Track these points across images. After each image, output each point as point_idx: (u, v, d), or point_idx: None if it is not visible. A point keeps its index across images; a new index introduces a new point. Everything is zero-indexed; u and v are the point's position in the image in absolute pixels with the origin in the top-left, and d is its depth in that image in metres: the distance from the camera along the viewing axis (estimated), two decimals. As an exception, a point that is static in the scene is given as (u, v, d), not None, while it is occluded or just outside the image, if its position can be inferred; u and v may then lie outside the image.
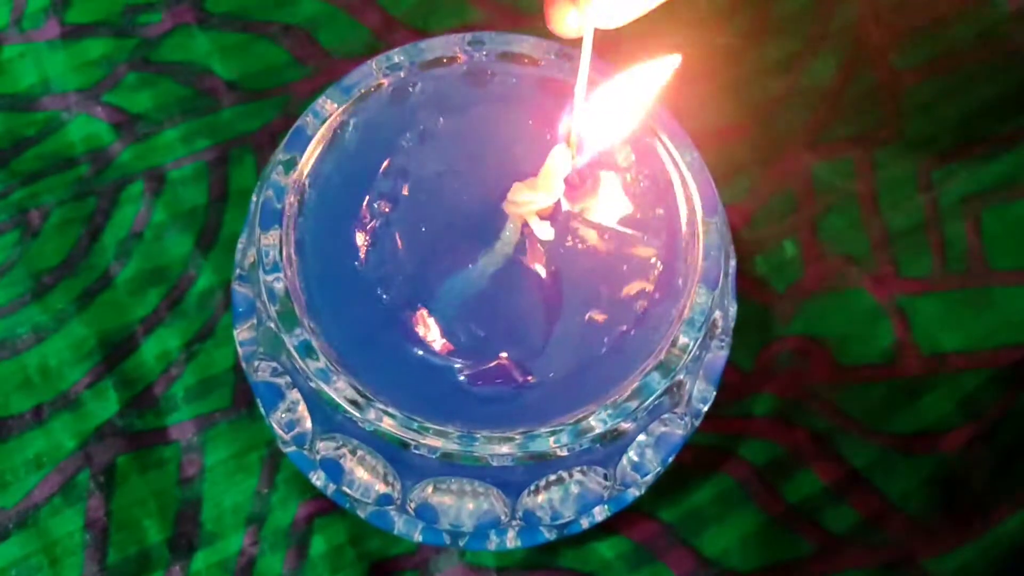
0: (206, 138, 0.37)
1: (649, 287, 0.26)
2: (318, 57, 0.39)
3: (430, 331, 0.25)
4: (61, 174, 0.36)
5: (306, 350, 0.23)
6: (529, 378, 0.25)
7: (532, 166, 0.25)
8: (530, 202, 0.25)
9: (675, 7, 0.38)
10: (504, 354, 0.25)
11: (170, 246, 0.35)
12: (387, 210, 0.26)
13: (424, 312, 0.25)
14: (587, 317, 0.25)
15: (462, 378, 0.25)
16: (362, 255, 0.25)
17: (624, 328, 0.25)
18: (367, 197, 0.26)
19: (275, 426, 0.26)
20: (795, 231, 0.37)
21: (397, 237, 0.26)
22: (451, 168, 0.27)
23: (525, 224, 0.25)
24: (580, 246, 0.26)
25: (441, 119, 0.27)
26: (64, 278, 0.35)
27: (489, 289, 0.26)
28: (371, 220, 0.26)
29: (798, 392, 0.35)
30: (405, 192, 0.26)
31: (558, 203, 0.26)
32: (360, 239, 0.26)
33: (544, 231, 0.25)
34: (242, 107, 0.38)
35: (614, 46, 0.33)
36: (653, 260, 0.26)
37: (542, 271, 0.26)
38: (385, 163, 0.27)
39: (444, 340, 0.25)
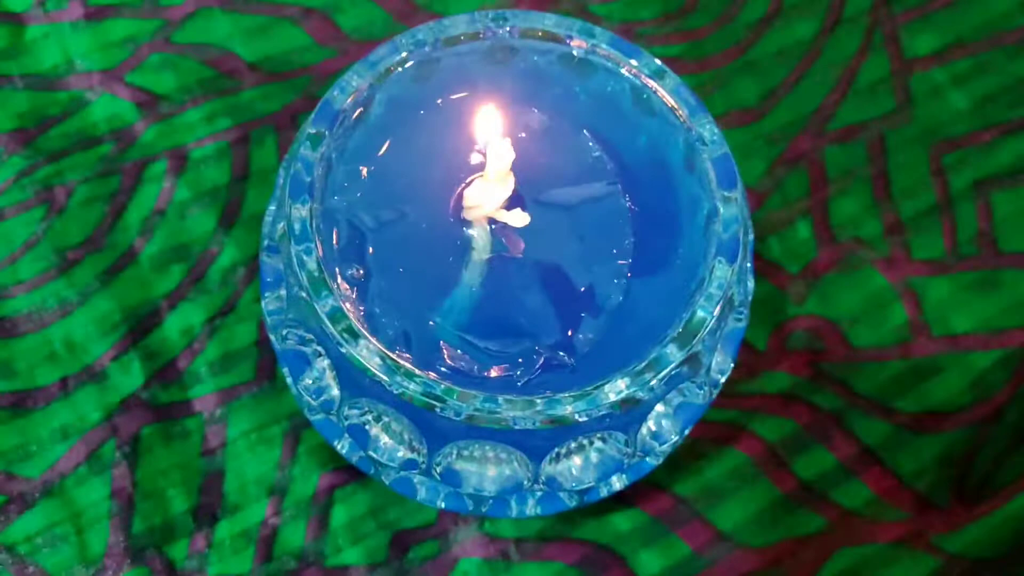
0: (228, 118, 0.38)
1: (629, 231, 0.26)
2: (339, 40, 0.39)
3: (463, 361, 0.26)
4: (85, 152, 0.37)
5: (336, 315, 0.24)
6: (573, 356, 0.26)
7: (466, 169, 0.27)
8: (486, 202, 0.26)
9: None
10: (537, 347, 0.26)
11: (193, 224, 0.36)
12: (360, 274, 0.27)
13: (445, 345, 0.26)
14: (589, 278, 0.26)
15: (520, 386, 0.26)
16: (363, 326, 0.24)
17: (628, 275, 0.26)
18: (336, 269, 0.26)
19: (303, 393, 0.27)
20: (808, 213, 0.37)
21: (381, 294, 0.26)
22: (400, 210, 0.27)
23: (491, 220, 0.26)
24: (550, 218, 0.27)
25: (364, 168, 0.28)
26: (89, 254, 0.35)
27: (488, 295, 0.26)
28: (352, 289, 0.26)
29: (811, 371, 0.35)
30: (371, 251, 0.27)
31: (515, 189, 0.26)
32: (350, 310, 0.25)
33: (518, 218, 0.26)
34: (263, 88, 0.38)
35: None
36: (628, 206, 0.27)
37: (525, 256, 0.27)
38: (334, 233, 0.27)
39: (481, 365, 0.26)
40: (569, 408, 0.24)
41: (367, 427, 0.27)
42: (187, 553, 0.32)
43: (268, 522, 0.32)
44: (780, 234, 0.37)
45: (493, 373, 0.25)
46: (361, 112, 0.27)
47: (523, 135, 0.29)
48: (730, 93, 0.39)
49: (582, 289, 0.27)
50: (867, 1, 0.41)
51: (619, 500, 0.33)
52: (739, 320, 0.27)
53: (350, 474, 0.33)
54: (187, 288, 0.35)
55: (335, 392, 0.26)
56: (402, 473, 0.27)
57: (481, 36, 0.28)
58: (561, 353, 0.26)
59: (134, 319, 0.34)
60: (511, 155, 0.26)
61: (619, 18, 0.40)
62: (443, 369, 0.25)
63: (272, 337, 0.27)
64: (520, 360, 0.26)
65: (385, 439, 0.27)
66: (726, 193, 0.26)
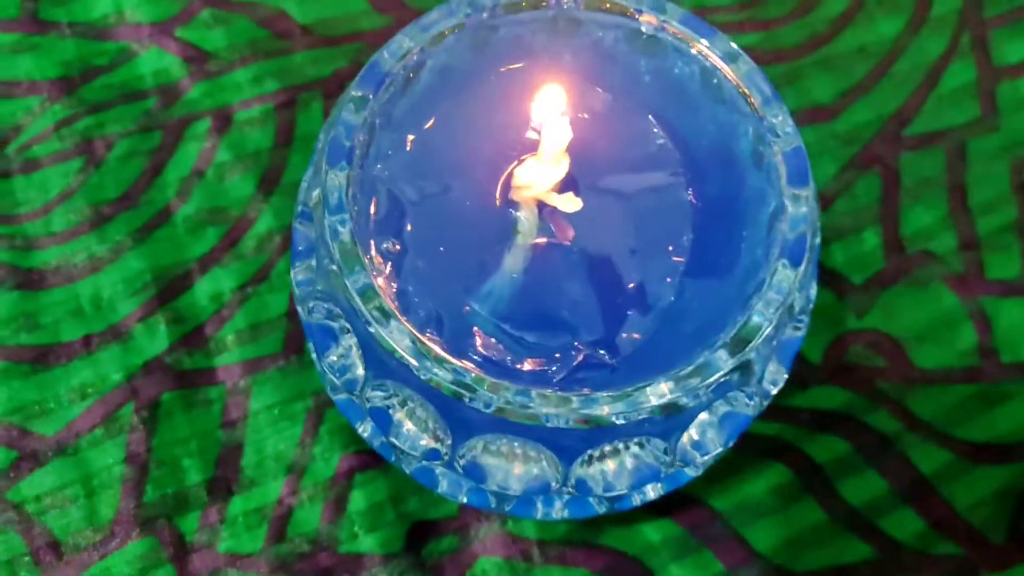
0: (276, 81, 0.36)
1: (688, 226, 0.25)
2: (397, 8, 0.38)
3: (497, 351, 0.24)
4: (128, 105, 0.35)
5: (367, 293, 0.22)
6: (615, 356, 0.24)
7: (522, 146, 0.25)
8: (536, 183, 0.24)
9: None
10: (577, 343, 0.24)
11: (232, 187, 0.35)
12: (396, 248, 0.25)
13: (480, 332, 0.24)
14: (640, 274, 0.24)
15: (555, 383, 0.24)
16: (394, 305, 0.23)
17: (683, 274, 0.24)
18: (372, 241, 0.25)
19: (326, 370, 0.25)
20: (878, 221, 0.35)
21: (416, 271, 0.25)
22: (445, 184, 0.26)
23: (541, 204, 0.24)
24: (604, 206, 0.25)
25: (410, 138, 0.26)
26: (124, 210, 0.34)
27: (529, 285, 0.25)
28: (385, 264, 0.25)
29: (868, 389, 0.33)
30: (409, 227, 0.25)
31: (569, 172, 0.25)
32: (383, 285, 0.23)
33: (569, 203, 0.24)
34: (314, 52, 0.37)
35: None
36: (690, 199, 0.25)
37: (573, 245, 0.25)
38: (372, 203, 0.25)
39: (515, 356, 0.24)
40: (607, 408, 0.22)
41: (391, 411, 0.25)
42: (198, 526, 0.30)
43: (284, 501, 0.31)
44: (845, 241, 0.35)
45: (527, 366, 0.24)
46: (411, 78, 0.26)
47: (584, 116, 0.27)
48: (803, 89, 0.37)
49: (631, 285, 0.25)
50: (957, 1, 0.39)
51: (650, 509, 0.31)
52: (797, 329, 0.25)
53: (372, 459, 0.31)
54: (221, 253, 0.34)
55: (360, 372, 0.24)
56: (424, 463, 0.26)
57: (544, 4, 0.26)
58: (602, 352, 0.24)
59: (164, 280, 0.33)
60: (568, 135, 0.25)
61: (692, 2, 0.38)
62: (475, 357, 0.24)
63: (299, 309, 0.26)
64: (557, 355, 0.24)
65: (408, 425, 0.25)
66: (796, 191, 0.24)
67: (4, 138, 0.35)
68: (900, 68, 0.37)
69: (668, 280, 0.25)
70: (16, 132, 0.35)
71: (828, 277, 0.34)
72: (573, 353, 0.24)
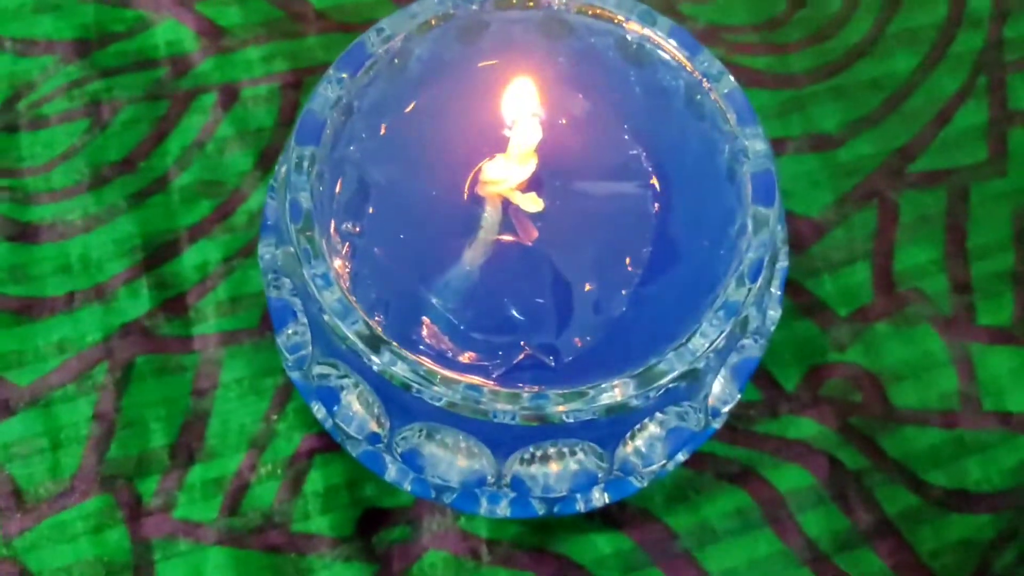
0: (286, 61, 0.37)
1: (648, 238, 0.24)
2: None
3: (442, 341, 0.24)
4: (139, 73, 0.36)
5: (321, 276, 0.22)
6: (560, 360, 0.24)
7: (495, 143, 0.25)
8: (505, 179, 0.24)
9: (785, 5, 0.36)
10: (523, 343, 0.24)
11: (231, 161, 0.35)
12: (357, 230, 0.25)
13: (428, 321, 0.24)
14: (596, 280, 0.24)
15: (493, 379, 0.24)
16: (345, 284, 0.23)
17: (637, 285, 0.24)
18: (333, 221, 0.25)
19: (281, 347, 0.25)
20: (871, 255, 0.35)
21: (377, 254, 0.25)
22: (414, 173, 0.26)
23: (506, 202, 0.24)
24: (569, 210, 0.25)
25: (385, 123, 0.26)
26: (122, 174, 0.35)
27: (486, 280, 0.25)
28: (343, 244, 0.25)
29: (840, 423, 0.32)
30: (370, 211, 0.25)
31: (536, 172, 0.25)
32: (339, 266, 0.24)
33: (530, 203, 0.24)
34: (327, 37, 0.37)
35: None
36: (653, 210, 0.25)
37: (534, 245, 0.25)
38: (339, 183, 0.25)
39: (459, 348, 0.24)
40: (561, 407, 0.22)
41: (342, 392, 0.25)
42: (156, 488, 0.31)
43: (243, 474, 0.31)
44: (836, 272, 0.35)
45: (465, 358, 0.24)
46: (395, 63, 0.26)
47: (562, 121, 0.27)
48: (810, 116, 0.37)
49: (586, 290, 0.25)
50: (978, 41, 0.38)
51: (605, 519, 0.31)
52: (753, 350, 0.25)
53: (334, 441, 0.31)
54: (211, 225, 0.34)
55: (310, 350, 0.25)
56: (366, 447, 0.26)
57: (532, 5, 0.26)
58: (546, 354, 0.24)
59: (153, 246, 0.34)
60: (537, 136, 0.25)
61: (707, 20, 0.38)
62: (420, 346, 0.24)
63: (263, 283, 0.26)
64: (500, 352, 0.24)
65: (356, 407, 0.25)
66: (760, 208, 0.24)
67: (17, 94, 0.35)
68: (911, 104, 0.37)
69: (623, 291, 0.25)
70: (29, 89, 0.36)
71: (813, 306, 0.34)
72: (515, 352, 0.24)
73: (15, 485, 0.31)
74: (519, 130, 0.24)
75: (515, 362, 0.24)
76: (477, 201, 0.25)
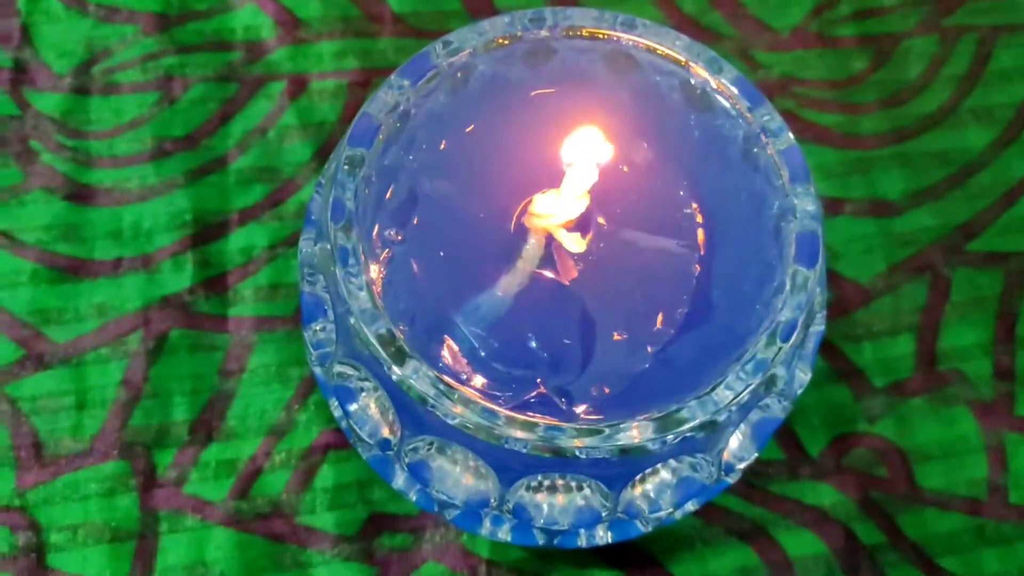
0: (357, 60, 0.37)
1: (686, 300, 0.24)
2: (487, 11, 0.38)
3: (459, 363, 0.24)
4: (214, 54, 0.37)
5: (355, 284, 0.23)
6: (572, 405, 0.24)
7: (550, 177, 0.24)
8: (554, 215, 0.24)
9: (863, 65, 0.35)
10: (539, 380, 0.24)
11: (289, 151, 0.36)
12: (399, 238, 0.25)
13: (449, 341, 0.24)
14: (625, 332, 0.24)
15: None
16: (377, 290, 0.23)
17: (666, 343, 0.23)
18: (377, 225, 0.25)
19: (307, 341, 0.26)
20: (916, 329, 0.34)
21: (413, 265, 0.25)
22: (464, 191, 0.25)
23: (550, 237, 0.24)
24: (612, 256, 0.25)
25: (444, 136, 0.26)
26: (184, 150, 0.35)
27: (516, 310, 0.25)
28: (383, 250, 0.25)
29: (861, 496, 0.32)
30: (415, 221, 0.25)
31: (585, 212, 0.24)
32: (375, 271, 0.24)
33: (574, 243, 0.24)
34: (400, 41, 0.38)
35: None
36: (694, 271, 0.24)
37: (570, 285, 0.24)
38: (390, 190, 0.25)
39: (473, 372, 0.24)
40: (577, 442, 0.22)
41: (360, 394, 0.25)
42: (171, 462, 0.31)
43: (257, 459, 0.31)
44: (877, 341, 0.34)
45: (478, 384, 0.24)
46: (457, 76, 0.26)
47: (624, 168, 0.27)
48: (872, 180, 0.36)
49: (614, 339, 0.24)
50: (1056, 127, 0.37)
51: (606, 557, 0.30)
52: (776, 411, 0.24)
53: (348, 440, 0.31)
54: (262, 210, 0.35)
55: (334, 348, 0.25)
56: (376, 452, 0.26)
57: (602, 36, 0.26)
58: (561, 398, 0.24)
59: (203, 224, 0.34)
60: (593, 179, 0.25)
61: (782, 71, 0.38)
62: (439, 364, 0.24)
63: (300, 275, 0.27)
64: (513, 385, 0.24)
65: (372, 409, 0.25)
66: (801, 269, 0.23)
67: (93, 58, 0.36)
68: (978, 181, 0.36)
69: (649, 348, 0.24)
70: (106, 55, 0.36)
71: (849, 373, 0.33)
72: (529, 388, 0.24)
73: (36, 438, 0.31)
74: (576, 171, 0.24)
75: (526, 398, 0.23)
76: (522, 232, 0.25)
